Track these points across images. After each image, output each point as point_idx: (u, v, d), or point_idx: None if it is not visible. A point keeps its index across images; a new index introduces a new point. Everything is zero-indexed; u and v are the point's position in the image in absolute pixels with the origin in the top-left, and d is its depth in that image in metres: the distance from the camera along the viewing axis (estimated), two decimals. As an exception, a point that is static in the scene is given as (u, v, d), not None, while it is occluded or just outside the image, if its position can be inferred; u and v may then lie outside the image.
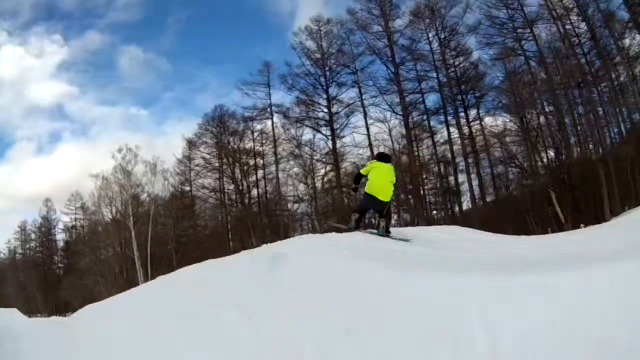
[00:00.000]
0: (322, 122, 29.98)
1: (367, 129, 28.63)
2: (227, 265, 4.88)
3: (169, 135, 55.71)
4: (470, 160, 27.16)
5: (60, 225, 42.86)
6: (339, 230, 6.93)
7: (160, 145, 46.30)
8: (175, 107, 55.52)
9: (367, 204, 6.74)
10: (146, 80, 50.15)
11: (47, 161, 50.37)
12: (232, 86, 61.88)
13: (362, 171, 6.82)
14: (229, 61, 51.08)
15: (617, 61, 22.52)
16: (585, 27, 23.23)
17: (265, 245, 6.04)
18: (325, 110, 29.81)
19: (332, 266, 3.95)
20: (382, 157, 6.98)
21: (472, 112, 27.52)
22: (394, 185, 6.56)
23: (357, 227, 6.61)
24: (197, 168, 33.49)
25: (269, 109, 31.17)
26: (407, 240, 6.07)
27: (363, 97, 29.09)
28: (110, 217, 32.31)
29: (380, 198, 6.41)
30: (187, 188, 34.66)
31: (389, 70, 28.43)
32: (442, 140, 28.30)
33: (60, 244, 43.42)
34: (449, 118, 27.64)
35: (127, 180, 30.87)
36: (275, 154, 31.01)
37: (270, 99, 31.04)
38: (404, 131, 28.24)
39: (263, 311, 3.57)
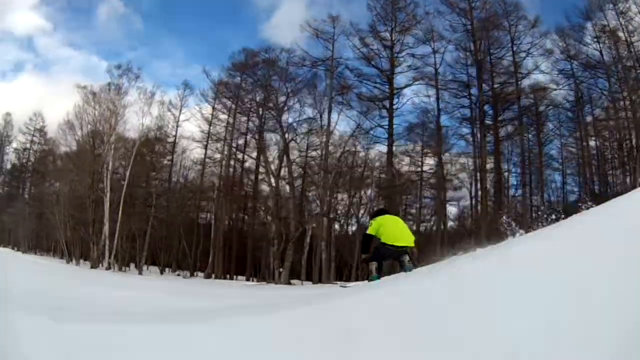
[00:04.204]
0: (381, 94, 27.90)
1: (438, 111, 26.76)
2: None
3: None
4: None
5: (15, 144, 37.94)
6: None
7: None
8: (132, 67, 52.50)
9: (385, 253, 5.83)
10: (116, 35, 48.80)
11: (7, 87, 46.51)
12: (192, 61, 61.42)
13: (370, 230, 5.93)
14: (194, 36, 50.61)
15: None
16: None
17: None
18: (386, 82, 27.78)
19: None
20: (383, 211, 6.37)
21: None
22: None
23: (380, 276, 5.73)
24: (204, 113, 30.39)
25: (329, 62, 28.17)
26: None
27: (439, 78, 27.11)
28: (89, 142, 27.73)
29: (400, 244, 5.69)
30: (173, 132, 31.24)
31: (469, 57, 26.73)
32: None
33: (8, 165, 38.23)
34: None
35: (119, 102, 26.88)
36: (329, 111, 27.71)
37: (333, 50, 28.26)
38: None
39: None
